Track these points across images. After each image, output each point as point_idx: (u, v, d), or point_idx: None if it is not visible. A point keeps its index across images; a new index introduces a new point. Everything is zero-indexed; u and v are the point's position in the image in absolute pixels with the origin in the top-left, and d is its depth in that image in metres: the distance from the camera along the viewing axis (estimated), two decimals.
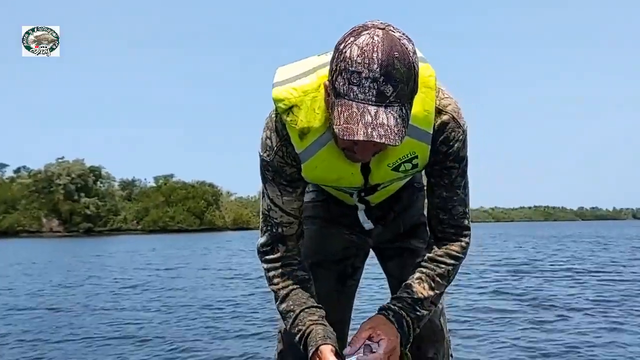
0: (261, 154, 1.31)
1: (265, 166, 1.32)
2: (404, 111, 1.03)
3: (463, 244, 1.38)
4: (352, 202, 1.51)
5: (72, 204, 69.74)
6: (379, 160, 1.25)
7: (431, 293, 1.34)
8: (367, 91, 0.99)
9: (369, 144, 1.08)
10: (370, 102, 1.00)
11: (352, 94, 1.01)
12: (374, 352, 1.22)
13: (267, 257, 1.40)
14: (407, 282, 1.36)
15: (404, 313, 1.31)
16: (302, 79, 1.22)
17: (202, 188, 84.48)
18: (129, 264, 15.40)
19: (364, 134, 0.98)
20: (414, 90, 1.05)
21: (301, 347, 1.32)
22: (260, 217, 1.41)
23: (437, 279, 1.35)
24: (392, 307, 1.32)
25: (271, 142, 1.28)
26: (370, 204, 1.51)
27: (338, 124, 1.01)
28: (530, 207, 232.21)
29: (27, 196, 69.37)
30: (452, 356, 1.71)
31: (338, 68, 1.03)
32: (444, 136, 1.24)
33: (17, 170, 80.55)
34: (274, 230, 1.37)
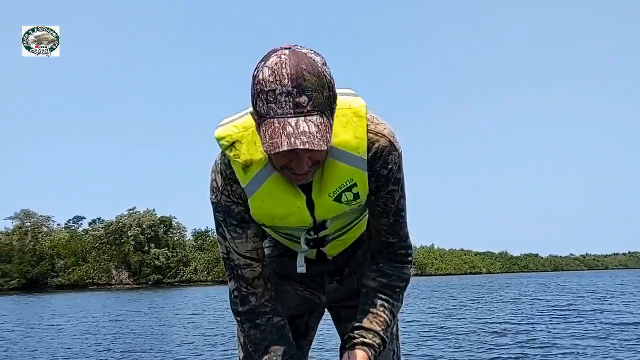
0: (210, 196, 1.35)
1: (215, 208, 1.36)
2: (324, 118, 1.10)
3: (410, 265, 1.46)
4: (310, 255, 1.52)
5: (142, 255, 67.99)
6: (320, 191, 1.29)
7: (392, 317, 1.41)
8: (284, 105, 1.07)
9: (303, 157, 1.13)
10: (289, 115, 1.07)
11: (271, 112, 1.08)
12: None
13: (239, 309, 1.42)
14: (371, 309, 1.40)
15: (380, 349, 1.37)
16: (243, 116, 1.28)
17: None
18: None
19: (287, 144, 1.04)
20: (330, 97, 1.13)
21: None
22: (223, 263, 1.44)
23: (396, 303, 1.43)
24: (374, 344, 1.36)
25: (216, 184, 1.32)
26: (327, 257, 1.55)
27: (264, 142, 1.08)
28: (625, 253, 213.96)
29: (98, 248, 68.30)
30: None
31: (255, 92, 1.11)
32: (382, 160, 1.29)
33: (93, 222, 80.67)
34: (237, 273, 1.40)
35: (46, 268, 62.37)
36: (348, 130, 1.23)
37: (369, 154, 1.27)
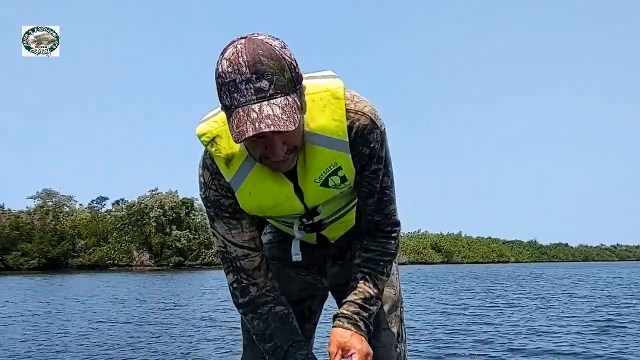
0: (199, 193, 1.37)
1: (205, 204, 1.37)
2: (290, 100, 1.09)
3: (397, 240, 1.44)
4: (310, 239, 1.52)
5: (164, 236, 66.68)
6: (305, 178, 1.29)
7: (376, 291, 1.40)
8: (245, 93, 1.06)
9: (275, 141, 1.12)
10: (252, 101, 1.06)
11: (235, 102, 1.08)
12: None
13: (239, 300, 1.41)
14: (352, 283, 1.40)
15: (357, 317, 1.35)
16: (223, 111, 1.26)
17: None
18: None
19: (252, 129, 1.04)
20: (293, 78, 1.11)
21: None
22: (220, 257, 1.44)
23: (380, 276, 1.41)
24: (346, 313, 1.35)
25: (203, 179, 1.34)
26: (328, 241, 1.55)
27: (232, 132, 1.08)
28: None
29: (119, 229, 67.34)
30: None
31: (218, 85, 1.11)
32: (363, 139, 1.27)
33: (116, 203, 79.83)
34: (237, 265, 1.39)
35: (67, 248, 61.53)
36: (326, 113, 1.22)
37: (351, 135, 1.25)
